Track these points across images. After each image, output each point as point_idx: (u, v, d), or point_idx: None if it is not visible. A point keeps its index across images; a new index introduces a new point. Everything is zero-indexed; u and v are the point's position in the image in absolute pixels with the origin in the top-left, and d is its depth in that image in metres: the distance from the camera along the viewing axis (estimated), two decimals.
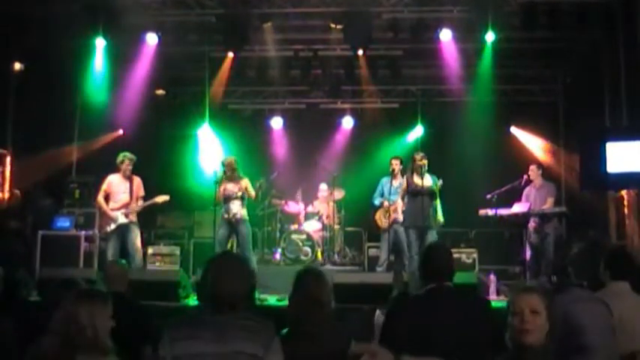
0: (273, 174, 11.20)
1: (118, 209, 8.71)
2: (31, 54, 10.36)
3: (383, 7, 10.04)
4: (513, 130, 13.09)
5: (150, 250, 10.55)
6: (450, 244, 9.24)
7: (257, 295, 7.66)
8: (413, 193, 8.83)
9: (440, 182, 8.88)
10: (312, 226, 11.20)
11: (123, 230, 8.68)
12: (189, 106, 12.98)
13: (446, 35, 10.23)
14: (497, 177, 10.38)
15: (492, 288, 8.39)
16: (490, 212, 9.48)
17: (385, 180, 9.59)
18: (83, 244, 9.51)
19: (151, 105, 12.50)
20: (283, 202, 11.65)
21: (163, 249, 10.79)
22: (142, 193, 8.91)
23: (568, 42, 10.74)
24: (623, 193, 9.62)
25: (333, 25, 10.40)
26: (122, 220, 8.67)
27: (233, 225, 8.84)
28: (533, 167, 9.91)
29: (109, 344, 3.04)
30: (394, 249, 9.45)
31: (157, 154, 12.29)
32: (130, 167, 8.81)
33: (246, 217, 8.94)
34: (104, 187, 8.83)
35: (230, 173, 8.87)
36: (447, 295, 3.71)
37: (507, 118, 12.88)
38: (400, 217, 9.16)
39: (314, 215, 11.47)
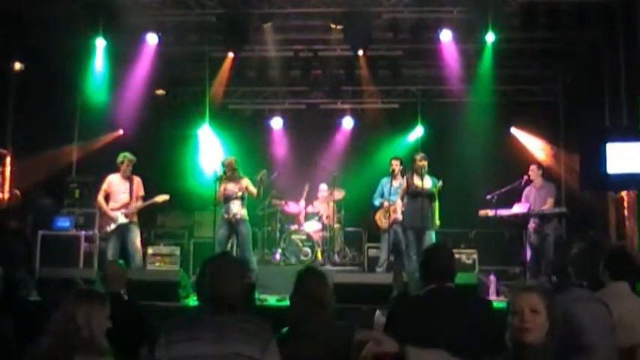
0: (274, 174, 11.20)
1: (118, 209, 8.71)
2: (31, 54, 10.36)
3: (383, 7, 10.04)
4: (513, 130, 13.09)
5: (150, 250, 10.54)
6: (450, 244, 9.21)
7: (257, 295, 7.66)
8: (412, 194, 8.86)
9: (440, 183, 8.92)
10: (312, 227, 11.20)
11: (123, 230, 8.68)
12: (189, 106, 12.98)
13: (446, 35, 10.23)
14: (497, 177, 10.38)
15: (492, 288, 8.39)
16: (490, 213, 9.48)
17: (385, 180, 9.60)
18: (83, 244, 9.52)
19: (151, 105, 12.51)
20: (283, 202, 11.65)
21: (163, 249, 10.78)
22: (141, 193, 8.91)
23: (568, 42, 10.73)
24: (623, 193, 9.62)
25: (333, 26, 10.40)
26: (122, 220, 8.67)
27: (233, 225, 8.83)
28: (533, 167, 9.90)
29: (105, 345, 3.03)
30: (394, 249, 9.46)
31: (157, 154, 12.29)
32: (130, 168, 8.81)
33: (246, 218, 8.93)
34: (104, 187, 8.83)
35: (230, 173, 8.87)
36: (449, 296, 3.71)
37: (507, 119, 12.87)
38: (400, 218, 9.17)
39: (314, 215, 11.46)
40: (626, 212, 9.54)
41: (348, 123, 13.45)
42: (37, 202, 10.26)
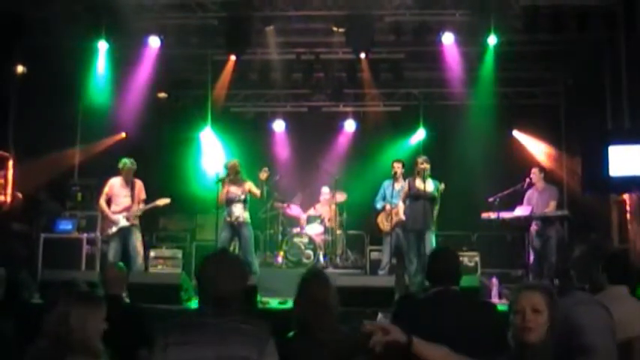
0: (276, 177, 11.20)
1: (120, 212, 8.72)
2: (33, 57, 10.37)
3: (385, 10, 10.05)
4: (515, 133, 13.08)
5: (152, 253, 10.55)
6: (453, 247, 9.23)
7: (259, 298, 7.65)
8: (414, 196, 8.88)
9: (442, 186, 8.94)
10: (314, 230, 11.20)
11: (124, 233, 8.69)
12: (191, 109, 12.98)
13: (448, 38, 10.24)
14: (500, 180, 10.38)
15: (494, 291, 8.37)
16: (492, 215, 9.49)
17: (387, 183, 9.60)
18: (85, 247, 9.52)
19: (154, 108, 12.50)
20: (285, 205, 11.65)
21: (165, 252, 10.79)
22: (143, 196, 8.92)
23: (570, 44, 10.72)
24: (625, 196, 9.61)
25: (335, 29, 10.42)
26: (123, 223, 8.68)
27: (235, 228, 8.84)
28: (535, 170, 9.89)
29: (99, 347, 3.01)
30: (396, 252, 9.46)
31: (159, 157, 12.30)
32: (131, 174, 8.84)
33: (249, 220, 8.94)
34: (106, 190, 8.86)
35: (233, 176, 8.87)
36: (453, 299, 3.71)
37: (509, 121, 12.85)
38: (404, 219, 9.14)
39: (316, 218, 11.46)
40: (628, 215, 9.53)
41: (350, 126, 13.44)
42: (47, 205, 10.28)
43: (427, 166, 8.86)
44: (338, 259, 11.16)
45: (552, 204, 9.59)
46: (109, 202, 8.81)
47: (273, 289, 8.39)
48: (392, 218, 9.33)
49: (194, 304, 7.60)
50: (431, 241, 8.77)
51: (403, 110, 13.29)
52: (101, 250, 9.49)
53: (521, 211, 9.51)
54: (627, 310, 3.60)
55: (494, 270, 9.71)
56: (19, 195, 10.22)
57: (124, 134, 12.81)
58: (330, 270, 10.28)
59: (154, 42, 10.46)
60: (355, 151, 13.26)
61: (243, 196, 8.82)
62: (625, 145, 8.67)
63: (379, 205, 9.74)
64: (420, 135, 13.01)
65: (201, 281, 3.07)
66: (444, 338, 2.85)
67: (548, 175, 10.39)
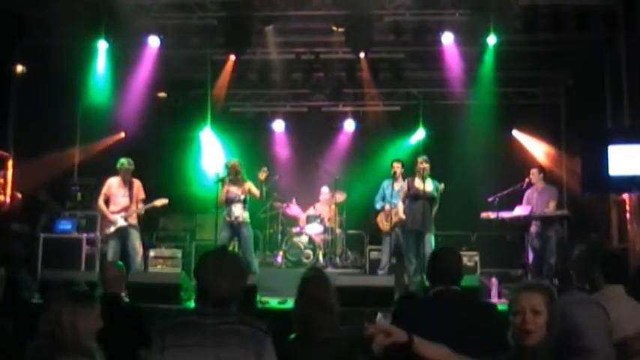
0: (275, 177, 11.21)
1: (118, 212, 8.73)
2: (33, 56, 10.37)
3: (385, 10, 10.05)
4: (515, 132, 13.08)
5: (152, 253, 10.56)
6: (452, 247, 9.24)
7: (259, 297, 7.66)
8: (413, 196, 8.88)
9: (441, 186, 8.94)
10: (313, 229, 11.20)
11: (122, 233, 8.70)
12: (191, 109, 12.97)
13: (448, 38, 10.24)
14: (499, 180, 10.38)
15: (494, 291, 8.38)
16: (492, 215, 9.49)
17: (387, 183, 9.60)
18: (85, 247, 9.53)
19: (153, 108, 12.51)
20: (285, 204, 11.66)
21: (165, 252, 10.79)
22: (142, 195, 8.93)
23: (570, 44, 10.72)
24: (625, 196, 9.61)
25: (334, 28, 10.42)
26: (122, 223, 8.69)
27: (235, 228, 8.84)
28: (534, 171, 9.89)
29: (92, 346, 2.99)
30: (396, 252, 9.47)
31: (158, 157, 12.31)
32: (129, 175, 8.84)
33: (248, 220, 8.94)
34: (104, 190, 8.87)
35: (233, 176, 8.87)
36: (454, 299, 3.71)
37: (509, 121, 12.85)
38: (404, 218, 9.14)
39: (316, 218, 11.46)
40: (628, 215, 9.53)
41: (349, 126, 13.44)
42: (47, 206, 10.29)
43: (427, 165, 8.86)
44: (337, 259, 11.17)
45: (552, 204, 9.59)
46: (107, 202, 8.81)
47: (272, 288, 8.41)
48: (391, 218, 9.34)
49: (194, 303, 7.60)
50: (430, 242, 8.78)
51: (403, 110, 13.28)
52: (101, 250, 9.49)
53: (520, 211, 9.52)
54: (623, 310, 3.60)
55: (493, 270, 9.72)
56: (19, 195, 10.23)
57: (123, 134, 12.80)
58: (329, 270, 10.28)
59: (154, 42, 10.45)
60: (355, 150, 13.26)
61: (242, 196, 8.82)
62: (625, 145, 8.67)
63: (379, 205, 9.74)
64: (419, 135, 13.01)
65: (200, 281, 3.01)
66: (444, 338, 2.85)
67: (548, 175, 10.40)
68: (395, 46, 10.90)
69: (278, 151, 13.45)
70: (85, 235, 9.61)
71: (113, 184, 8.85)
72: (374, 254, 10.61)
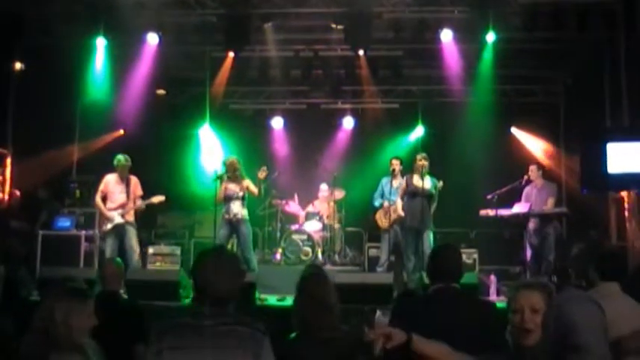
0: (274, 174, 11.20)
1: (115, 209, 8.73)
2: (31, 54, 10.36)
3: (384, 7, 10.04)
4: (514, 130, 13.08)
5: (150, 250, 10.55)
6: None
7: (257, 295, 7.66)
8: (411, 193, 8.89)
9: (440, 184, 8.94)
10: (312, 226, 11.20)
11: (119, 230, 8.71)
12: (190, 107, 12.96)
13: (447, 36, 10.23)
14: (498, 177, 10.38)
15: (493, 288, 8.39)
16: (491, 213, 9.50)
17: (385, 180, 9.60)
18: (83, 244, 9.52)
19: (152, 105, 12.48)
20: (284, 202, 11.66)
21: (164, 249, 10.79)
22: (139, 192, 8.93)
23: (569, 42, 10.70)
24: (624, 194, 9.62)
25: (333, 25, 10.42)
26: (118, 220, 8.69)
27: (234, 225, 8.83)
28: (533, 168, 9.89)
29: (84, 343, 2.98)
30: (394, 249, 9.47)
31: (157, 154, 12.30)
32: (126, 171, 8.84)
33: (247, 218, 8.93)
34: (101, 187, 8.87)
35: (231, 173, 8.86)
36: (454, 296, 3.71)
37: (508, 119, 12.85)
38: (403, 215, 9.14)
39: (314, 215, 11.46)
40: (626, 212, 9.54)
41: (348, 123, 13.44)
42: (48, 204, 10.29)
43: (426, 163, 8.86)
44: (336, 256, 11.17)
45: (550, 201, 9.58)
46: (104, 199, 8.82)
47: (271, 286, 8.41)
48: (390, 215, 9.34)
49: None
50: (429, 239, 8.79)
51: (402, 107, 13.28)
52: (99, 247, 9.50)
53: (519, 208, 9.52)
54: (618, 308, 3.60)
55: (492, 267, 9.73)
56: (17, 192, 10.22)
57: (122, 131, 12.80)
58: (328, 267, 10.28)
59: (153, 39, 10.44)
60: (354, 148, 13.26)
61: (241, 194, 8.81)
62: (623, 143, 8.67)
63: (377, 203, 9.74)
64: (418, 132, 13.03)
65: (197, 280, 2.97)
66: (442, 336, 2.85)
67: (547, 173, 10.40)
68: (394, 44, 10.88)
69: (277, 149, 13.46)
70: (83, 233, 9.61)
71: (110, 181, 8.85)
72: (373, 251, 10.61)
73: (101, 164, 9.96)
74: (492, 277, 8.54)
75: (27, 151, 10.36)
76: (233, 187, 8.81)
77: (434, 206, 9.04)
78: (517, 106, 12.78)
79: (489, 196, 9.50)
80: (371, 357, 2.50)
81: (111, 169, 8.88)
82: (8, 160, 10.31)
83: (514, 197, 9.77)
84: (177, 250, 10.70)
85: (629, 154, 8.57)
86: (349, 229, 11.83)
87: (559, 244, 9.34)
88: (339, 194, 11.48)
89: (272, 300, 7.88)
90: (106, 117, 11.71)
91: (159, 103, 12.99)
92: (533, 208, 9.48)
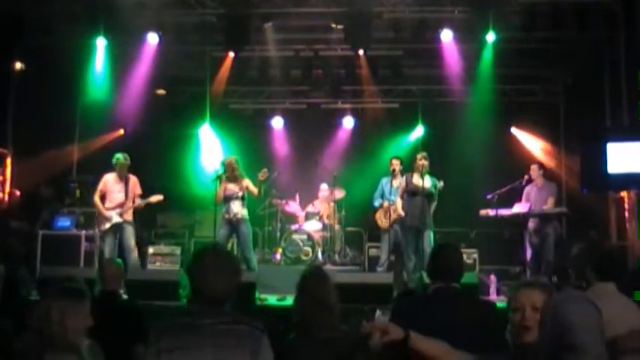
0: (274, 174, 11.20)
1: (113, 209, 8.73)
2: (31, 53, 10.37)
3: (384, 7, 10.05)
4: (514, 130, 13.08)
5: (150, 250, 10.54)
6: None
7: (257, 294, 7.66)
8: (411, 192, 8.88)
9: (440, 184, 8.93)
10: (312, 226, 11.19)
11: (117, 229, 8.71)
12: (189, 106, 12.96)
13: (447, 35, 10.24)
14: (498, 177, 10.39)
15: (492, 288, 8.39)
16: (491, 212, 9.49)
17: (385, 180, 9.59)
18: (84, 244, 9.52)
19: (152, 104, 12.48)
20: (284, 201, 11.65)
21: (164, 249, 10.77)
22: (138, 191, 8.94)
23: (569, 42, 10.72)
24: (624, 194, 9.62)
25: (334, 25, 10.43)
26: (116, 219, 8.70)
27: (234, 225, 8.82)
28: (534, 167, 9.86)
29: (79, 343, 2.96)
30: (394, 249, 9.46)
31: (157, 154, 12.30)
32: (124, 170, 8.84)
33: (247, 217, 8.92)
34: (100, 186, 8.88)
35: (230, 173, 8.85)
36: (454, 296, 3.71)
37: (508, 119, 12.86)
38: (403, 214, 9.13)
39: (314, 215, 11.46)
40: (626, 212, 9.54)
41: (348, 122, 13.45)
42: (50, 203, 10.29)
43: (426, 162, 8.85)
44: (336, 256, 11.17)
45: (550, 200, 9.57)
46: (103, 198, 8.82)
47: (271, 285, 8.41)
48: (390, 215, 9.33)
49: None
50: (429, 238, 8.78)
51: (402, 107, 13.29)
52: (99, 246, 9.50)
53: (519, 208, 9.51)
54: (613, 308, 3.59)
55: (492, 267, 9.73)
56: (17, 192, 10.23)
57: (122, 131, 12.80)
58: (328, 267, 10.28)
59: (153, 39, 10.45)
60: (354, 147, 13.26)
61: (240, 194, 8.80)
62: (623, 143, 8.67)
63: (377, 203, 9.72)
64: (418, 132, 13.03)
65: (194, 279, 2.93)
66: (442, 335, 2.86)
67: (547, 173, 10.39)
68: (394, 43, 10.90)
69: (277, 148, 13.46)
70: (83, 232, 9.60)
71: (109, 180, 8.86)
72: (373, 251, 10.61)
73: (101, 164, 9.95)
74: (492, 277, 8.55)
75: (27, 151, 10.37)
76: (232, 187, 8.80)
77: (434, 206, 9.04)
78: (517, 106, 12.78)
79: (489, 196, 9.50)
80: (369, 355, 2.50)
81: (110, 168, 8.89)
82: (8, 160, 10.31)
83: (514, 197, 9.77)
84: (177, 250, 10.69)
85: (629, 154, 8.58)
86: (349, 228, 11.83)
87: (559, 244, 9.33)
88: (339, 194, 11.47)
89: (272, 300, 7.88)
90: (105, 117, 11.72)
91: (159, 102, 12.98)
92: (533, 207, 9.47)
